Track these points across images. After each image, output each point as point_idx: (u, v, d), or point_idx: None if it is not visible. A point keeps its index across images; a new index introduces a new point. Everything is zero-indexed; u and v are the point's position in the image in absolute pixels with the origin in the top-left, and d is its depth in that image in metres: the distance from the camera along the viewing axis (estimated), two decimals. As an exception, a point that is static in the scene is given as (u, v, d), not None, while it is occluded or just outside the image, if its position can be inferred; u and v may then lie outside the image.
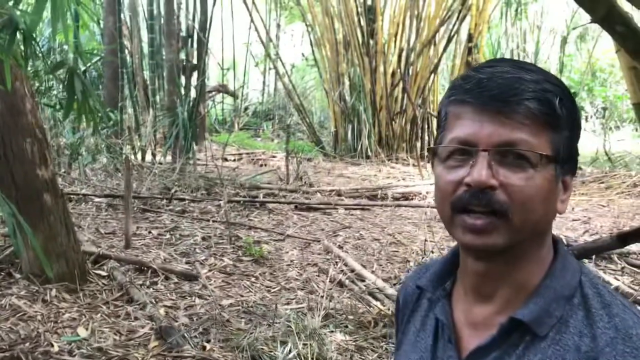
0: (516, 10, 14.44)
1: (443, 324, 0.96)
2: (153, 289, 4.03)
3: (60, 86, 7.42)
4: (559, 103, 0.86)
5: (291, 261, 4.87)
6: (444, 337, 0.95)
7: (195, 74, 10.34)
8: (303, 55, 16.12)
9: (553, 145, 0.86)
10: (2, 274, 3.84)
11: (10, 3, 2.94)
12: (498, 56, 14.10)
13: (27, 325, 3.32)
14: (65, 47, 8.57)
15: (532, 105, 0.84)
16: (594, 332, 0.82)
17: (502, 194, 0.84)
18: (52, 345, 3.10)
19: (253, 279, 4.38)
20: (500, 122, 0.84)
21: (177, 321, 3.52)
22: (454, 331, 0.94)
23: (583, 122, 15.07)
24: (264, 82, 17.37)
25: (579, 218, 6.99)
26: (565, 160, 0.88)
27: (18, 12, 2.64)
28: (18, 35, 2.46)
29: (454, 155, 0.88)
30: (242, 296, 4.04)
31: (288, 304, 3.90)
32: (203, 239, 5.26)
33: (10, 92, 3.40)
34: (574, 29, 13.66)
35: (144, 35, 11.27)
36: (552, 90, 0.86)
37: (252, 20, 13.01)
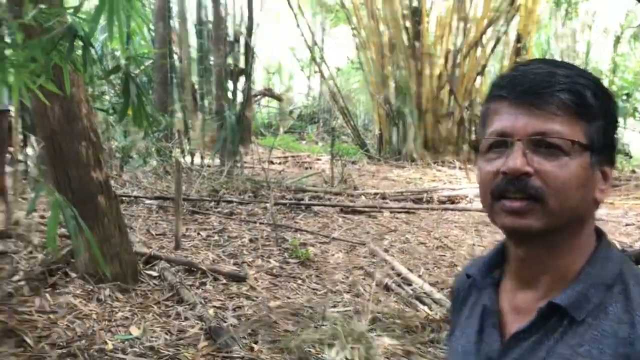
0: (566, 10, 14.09)
1: (489, 310, 1.00)
2: (202, 289, 4.10)
3: (113, 91, 7.64)
4: (590, 94, 0.89)
5: (337, 264, 4.88)
6: (489, 323, 1.00)
7: (242, 78, 10.47)
8: (348, 58, 16.14)
9: (586, 135, 0.90)
10: (59, 273, 3.98)
11: (70, 11, 3.06)
12: (547, 57, 13.76)
13: (83, 323, 3.42)
14: (117, 52, 8.81)
15: (563, 97, 0.88)
16: (633, 319, 0.85)
17: (537, 180, 0.88)
18: (107, 343, 3.19)
19: (299, 281, 4.41)
20: (533, 114, 0.89)
21: (225, 322, 3.57)
22: (499, 317, 0.99)
23: (637, 123, 14.58)
24: (309, 86, 17.46)
25: (633, 223, 6.77)
26: (601, 150, 0.91)
27: (76, 20, 2.74)
28: (77, 42, 2.55)
29: (493, 147, 0.93)
30: (289, 298, 4.07)
31: (335, 306, 3.91)
32: (250, 240, 5.33)
33: (68, 98, 3.52)
34: (629, 27, 13.24)
35: (193, 40, 11.48)
36: (583, 82, 0.90)
37: (297, 24, 13.10)
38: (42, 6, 2.92)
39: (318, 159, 11.30)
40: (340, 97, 13.23)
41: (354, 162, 10.88)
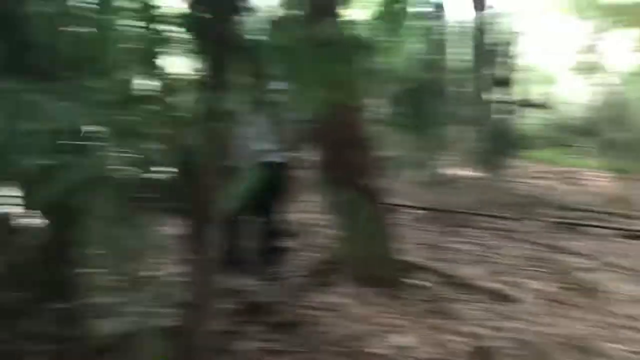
0: None
1: None
2: (467, 305, 3.96)
3: (388, 101, 7.93)
4: None
5: (621, 294, 4.31)
6: None
7: (506, 88, 10.08)
8: (633, 62, 14.51)
9: None
10: (332, 273, 4.20)
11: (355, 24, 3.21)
12: None
13: (351, 323, 3.54)
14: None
15: None
16: None
17: None
18: (373, 347, 3.25)
19: (575, 310, 3.98)
20: None
21: (491, 343, 3.38)
22: None
23: None
24: (582, 94, 16.11)
25: None
26: None
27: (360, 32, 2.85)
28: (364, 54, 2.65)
29: None
30: (562, 327, 3.69)
31: (620, 343, 3.43)
32: (515, 258, 5.03)
33: (349, 108, 3.71)
34: None
35: (456, 50, 11.38)
36: None
37: (569, 28, 12.17)
38: (330, 20, 3.11)
39: (591, 175, 10.33)
40: (621, 106, 11.92)
41: (634, 180, 9.66)
